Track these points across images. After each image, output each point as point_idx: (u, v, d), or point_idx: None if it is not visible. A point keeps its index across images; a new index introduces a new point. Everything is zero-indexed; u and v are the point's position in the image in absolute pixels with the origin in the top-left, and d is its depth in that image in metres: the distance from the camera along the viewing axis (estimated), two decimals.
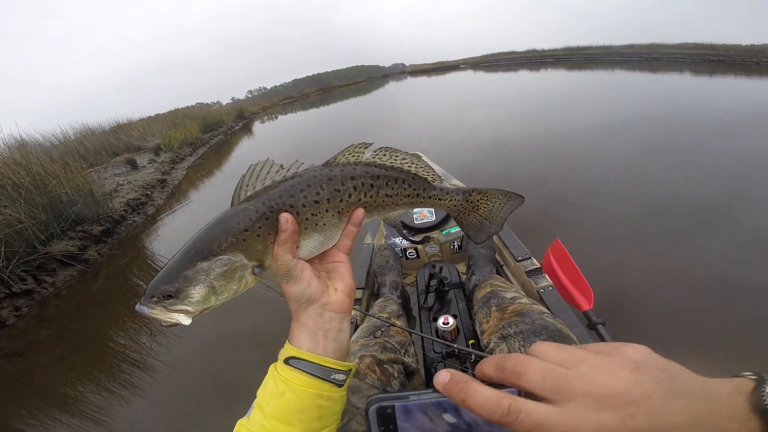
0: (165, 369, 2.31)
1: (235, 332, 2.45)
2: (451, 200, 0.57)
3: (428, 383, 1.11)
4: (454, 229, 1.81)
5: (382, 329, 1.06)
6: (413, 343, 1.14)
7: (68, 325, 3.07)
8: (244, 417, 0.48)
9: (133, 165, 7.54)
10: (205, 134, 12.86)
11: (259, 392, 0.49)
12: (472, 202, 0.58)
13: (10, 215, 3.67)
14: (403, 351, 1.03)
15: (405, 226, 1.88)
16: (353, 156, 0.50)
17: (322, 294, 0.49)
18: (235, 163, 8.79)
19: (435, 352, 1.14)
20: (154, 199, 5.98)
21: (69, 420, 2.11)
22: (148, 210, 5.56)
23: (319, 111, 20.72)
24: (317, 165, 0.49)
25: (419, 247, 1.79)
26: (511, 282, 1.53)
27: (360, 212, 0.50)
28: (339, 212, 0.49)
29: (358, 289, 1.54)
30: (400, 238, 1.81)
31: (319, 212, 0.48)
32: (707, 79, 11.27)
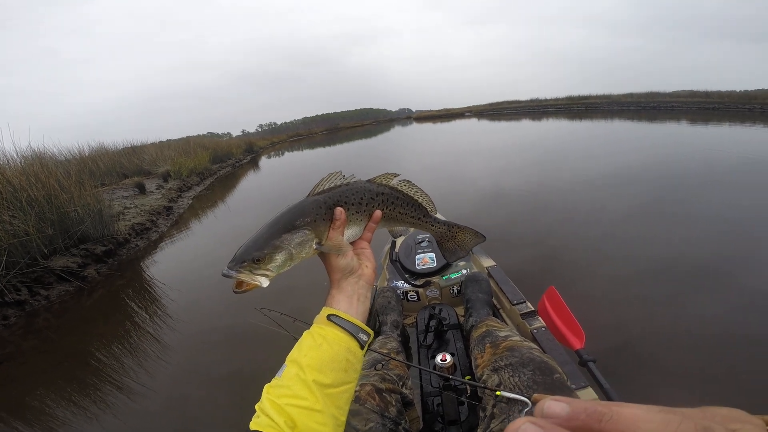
0: (146, 392, 2.32)
1: (218, 369, 2.49)
2: (439, 228, 0.78)
3: (425, 416, 1.18)
4: (454, 275, 1.90)
5: (382, 363, 1.15)
6: (410, 377, 1.23)
7: (54, 339, 3.09)
8: (272, 380, 0.58)
9: (142, 189, 7.70)
10: (214, 165, 13.26)
11: (294, 352, 0.59)
12: (452, 232, 0.79)
13: (19, 227, 3.78)
14: (401, 383, 1.12)
15: (407, 270, 1.98)
16: (386, 179, 0.71)
17: (359, 268, 0.67)
18: (239, 197, 8.98)
19: (432, 386, 1.23)
20: (159, 226, 6.06)
21: (25, 429, 2.12)
22: (152, 236, 5.64)
23: (325, 151, 21.22)
24: (363, 180, 0.70)
25: (420, 290, 1.88)
26: (506, 323, 1.61)
27: (379, 213, 0.69)
28: (369, 214, 0.69)
29: None
30: (402, 281, 1.90)
31: (358, 211, 0.67)
32: (703, 128, 11.87)
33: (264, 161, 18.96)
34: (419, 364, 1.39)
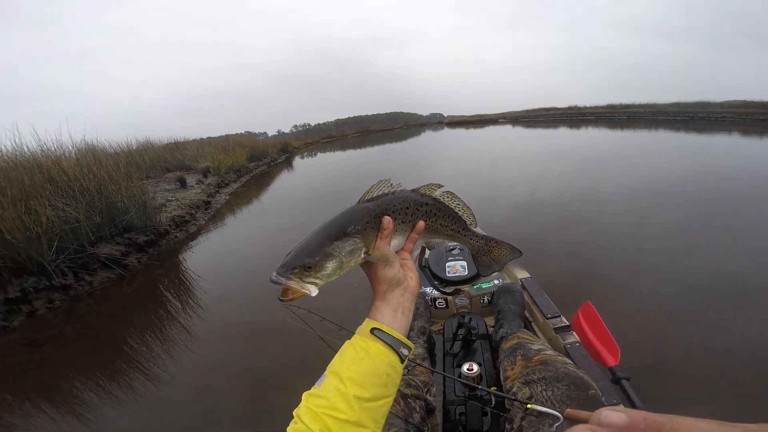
0: (171, 380, 2.36)
1: (242, 363, 2.50)
2: (477, 242, 0.77)
3: (445, 424, 1.17)
4: (486, 285, 1.87)
5: (408, 368, 1.14)
6: (434, 385, 1.23)
7: (94, 325, 3.20)
8: (312, 388, 0.57)
9: (183, 183, 8.05)
10: (250, 163, 13.68)
11: (336, 363, 0.58)
12: (489, 247, 0.79)
13: (71, 214, 4.01)
14: (426, 390, 1.12)
15: (437, 277, 1.96)
16: (429, 190, 0.70)
17: (404, 279, 0.65)
18: (273, 196, 9.18)
19: (456, 395, 1.22)
20: (197, 219, 6.30)
21: (51, 411, 2.17)
22: (190, 228, 5.86)
23: (356, 153, 21.52)
24: (408, 189, 0.69)
25: (449, 298, 1.86)
26: (538, 337, 1.58)
27: (422, 224, 0.68)
28: (413, 224, 0.67)
29: None
30: (431, 288, 1.87)
31: (404, 221, 0.66)
32: (758, 140, 10.99)
33: (298, 161, 19.39)
34: (444, 371, 1.39)
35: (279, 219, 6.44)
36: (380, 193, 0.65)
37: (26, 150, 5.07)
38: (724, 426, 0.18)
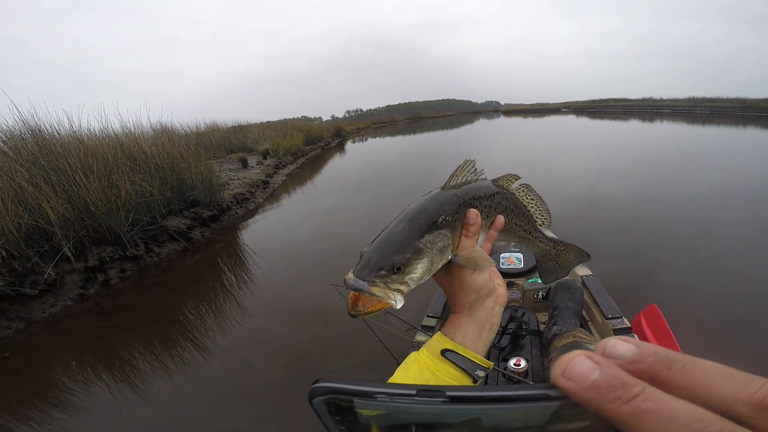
0: (219, 353, 2.42)
1: (285, 340, 2.53)
2: (546, 246, 0.66)
3: None
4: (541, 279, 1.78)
5: None
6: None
7: (157, 296, 3.38)
8: None
9: (244, 164, 8.48)
10: (306, 146, 14.05)
11: (399, 377, 0.50)
12: (557, 251, 0.67)
13: (146, 189, 4.31)
14: None
15: None
16: (507, 182, 0.58)
17: (495, 287, 0.53)
18: (325, 178, 9.32)
19: None
20: (256, 197, 6.60)
21: (108, 378, 2.28)
22: (250, 206, 6.15)
23: (405, 139, 21.46)
24: (488, 180, 0.56)
25: None
26: (594, 337, 1.52)
27: (502, 220, 0.54)
28: (492, 221, 0.54)
29: (432, 317, 1.62)
30: None
31: (488, 215, 0.53)
32: None
33: (349, 145, 19.62)
34: None
35: (330, 200, 6.53)
36: (464, 179, 0.52)
37: (111, 130, 5.54)
38: (742, 374, 0.16)
